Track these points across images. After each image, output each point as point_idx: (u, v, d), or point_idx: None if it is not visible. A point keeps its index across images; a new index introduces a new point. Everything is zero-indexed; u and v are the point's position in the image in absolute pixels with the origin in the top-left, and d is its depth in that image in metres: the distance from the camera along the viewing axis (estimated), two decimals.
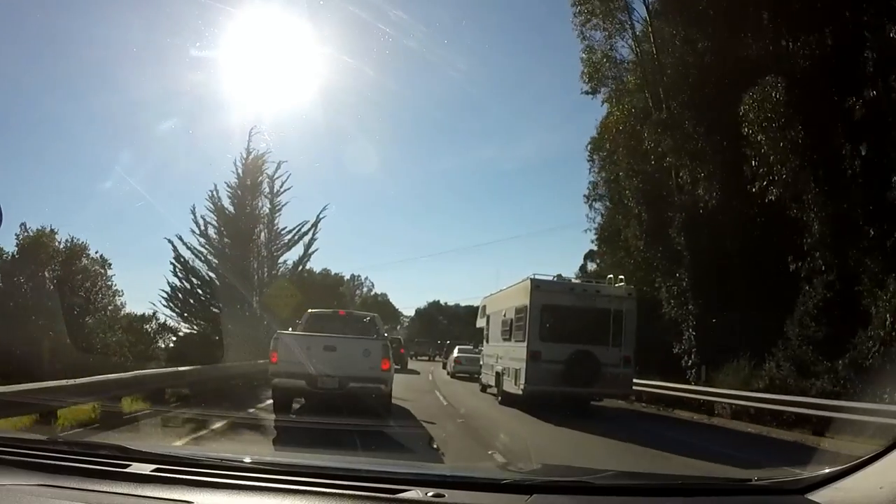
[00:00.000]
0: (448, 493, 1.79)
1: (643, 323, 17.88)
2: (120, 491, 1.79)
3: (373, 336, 11.13)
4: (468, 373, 24.52)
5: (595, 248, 32.53)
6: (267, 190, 23.34)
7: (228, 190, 22.89)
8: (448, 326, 73.23)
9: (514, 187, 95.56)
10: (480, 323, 19.53)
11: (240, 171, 23.05)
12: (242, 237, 22.25)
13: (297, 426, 9.43)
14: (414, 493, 1.78)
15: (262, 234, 23.21)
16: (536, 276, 13.95)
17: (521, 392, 13.30)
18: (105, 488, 1.81)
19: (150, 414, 9.23)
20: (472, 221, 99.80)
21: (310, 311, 12.80)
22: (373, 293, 77.14)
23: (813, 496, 1.77)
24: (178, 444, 6.50)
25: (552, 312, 13.37)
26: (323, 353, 9.75)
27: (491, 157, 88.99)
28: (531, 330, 13.25)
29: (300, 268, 24.61)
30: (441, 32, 53.19)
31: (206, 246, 22.15)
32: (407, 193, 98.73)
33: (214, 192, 22.74)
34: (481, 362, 19.25)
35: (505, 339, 15.40)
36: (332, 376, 9.53)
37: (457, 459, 5.70)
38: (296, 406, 10.60)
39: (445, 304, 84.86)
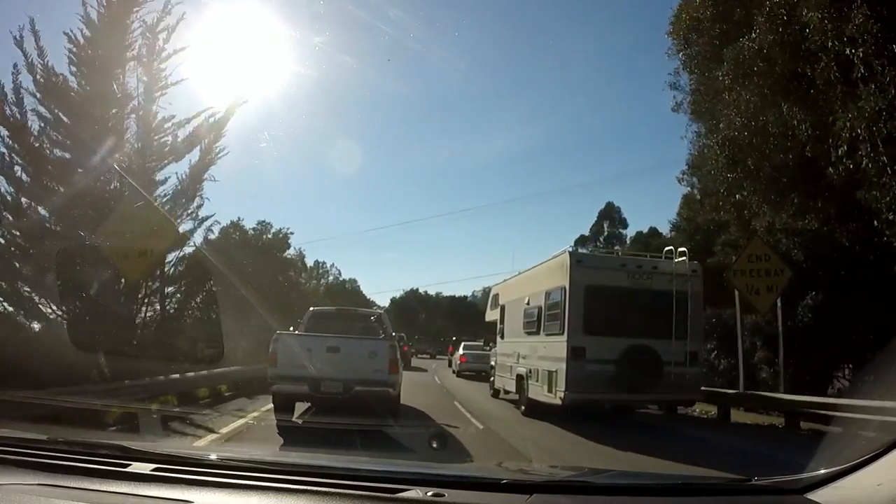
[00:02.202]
0: (448, 493, 1.79)
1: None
2: (120, 490, 1.80)
3: (379, 336, 10.57)
4: (474, 371, 23.30)
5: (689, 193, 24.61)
6: (144, 52, 12.39)
7: (70, 49, 12.00)
8: (427, 320, 67.67)
9: (480, 184, 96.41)
10: (491, 315, 16.66)
11: (94, 14, 12.17)
12: (94, 132, 11.61)
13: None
14: (414, 492, 1.79)
15: (132, 129, 12.55)
16: (575, 249, 11.72)
17: (558, 401, 10.54)
18: (105, 488, 1.82)
19: None
20: (440, 213, 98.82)
21: (312, 309, 12.25)
22: (340, 279, 67.10)
23: (812, 496, 1.77)
24: (179, 444, 6.49)
25: (599, 296, 10.59)
26: (326, 354, 9.25)
27: (454, 153, 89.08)
28: (572, 320, 10.53)
29: (192, 194, 13.15)
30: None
31: (11, 141, 11.53)
32: (371, 178, 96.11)
33: (29, 34, 11.62)
34: (492, 362, 16.40)
35: (530, 333, 12.54)
36: (336, 380, 9.02)
37: None
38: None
39: (425, 292, 77.09)
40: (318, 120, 72.33)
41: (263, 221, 25.84)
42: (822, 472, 1.84)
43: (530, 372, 12.18)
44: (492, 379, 16.37)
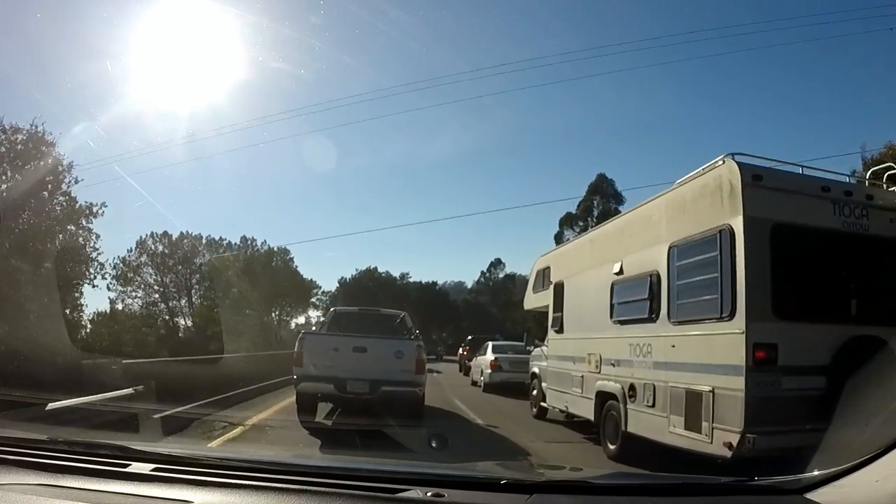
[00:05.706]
0: (448, 493, 1.79)
1: None
2: (120, 490, 1.80)
3: (405, 336, 10.58)
4: (512, 383, 16.39)
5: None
6: None
7: None
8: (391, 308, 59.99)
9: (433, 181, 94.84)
10: (535, 301, 12.38)
11: None
12: None
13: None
14: (414, 492, 1.79)
15: None
16: (741, 159, 6.00)
17: (721, 449, 5.59)
18: (105, 488, 1.82)
19: None
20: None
21: (334, 309, 12.22)
22: (266, 249, 52.30)
23: (812, 496, 1.77)
24: (179, 444, 6.49)
25: (794, 246, 5.86)
26: (352, 354, 9.33)
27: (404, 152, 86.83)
28: (751, 290, 5.64)
29: None
30: None
31: None
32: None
33: None
34: (534, 368, 11.99)
35: (628, 322, 7.84)
36: (363, 380, 9.08)
37: None
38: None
39: (386, 273, 63.07)
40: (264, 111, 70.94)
41: None
42: (822, 472, 1.84)
43: (632, 388, 7.42)
44: (534, 392, 11.85)
